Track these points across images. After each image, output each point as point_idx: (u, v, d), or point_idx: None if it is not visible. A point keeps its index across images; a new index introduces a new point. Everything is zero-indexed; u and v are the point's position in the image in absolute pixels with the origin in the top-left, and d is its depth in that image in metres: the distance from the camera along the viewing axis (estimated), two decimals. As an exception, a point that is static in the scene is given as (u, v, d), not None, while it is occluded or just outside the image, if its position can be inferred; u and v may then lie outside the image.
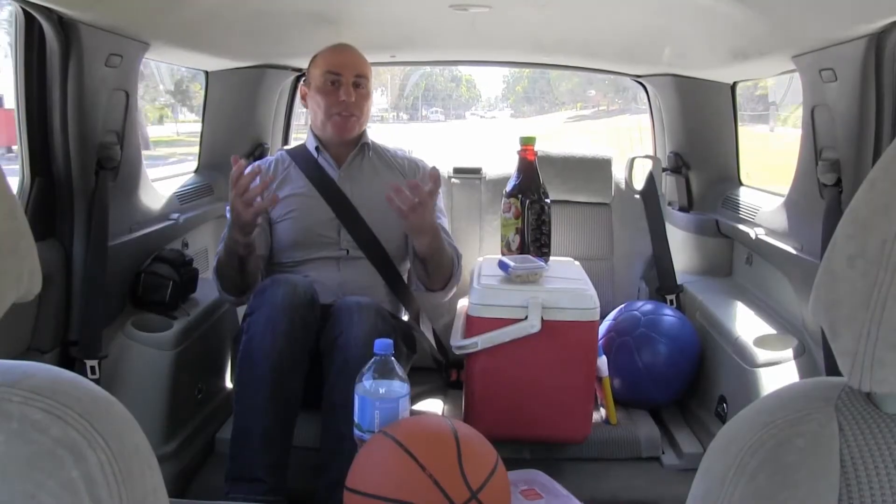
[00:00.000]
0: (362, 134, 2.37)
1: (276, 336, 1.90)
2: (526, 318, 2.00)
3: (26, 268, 0.64)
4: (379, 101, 21.60)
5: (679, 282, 2.72)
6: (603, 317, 2.25)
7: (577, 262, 2.42)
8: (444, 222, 2.39)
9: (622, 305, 2.52)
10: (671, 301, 2.66)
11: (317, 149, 2.34)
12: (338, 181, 2.31)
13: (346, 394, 1.88)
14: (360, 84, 2.29)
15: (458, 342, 2.05)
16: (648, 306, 2.47)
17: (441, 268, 2.23)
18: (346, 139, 2.32)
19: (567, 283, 2.13)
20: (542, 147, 2.72)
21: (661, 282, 2.69)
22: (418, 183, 1.98)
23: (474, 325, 2.05)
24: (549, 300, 2.02)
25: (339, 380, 1.91)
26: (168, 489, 0.68)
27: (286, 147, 2.50)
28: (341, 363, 1.92)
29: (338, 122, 2.28)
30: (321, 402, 2.11)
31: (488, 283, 2.09)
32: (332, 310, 2.03)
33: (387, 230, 2.29)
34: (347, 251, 2.26)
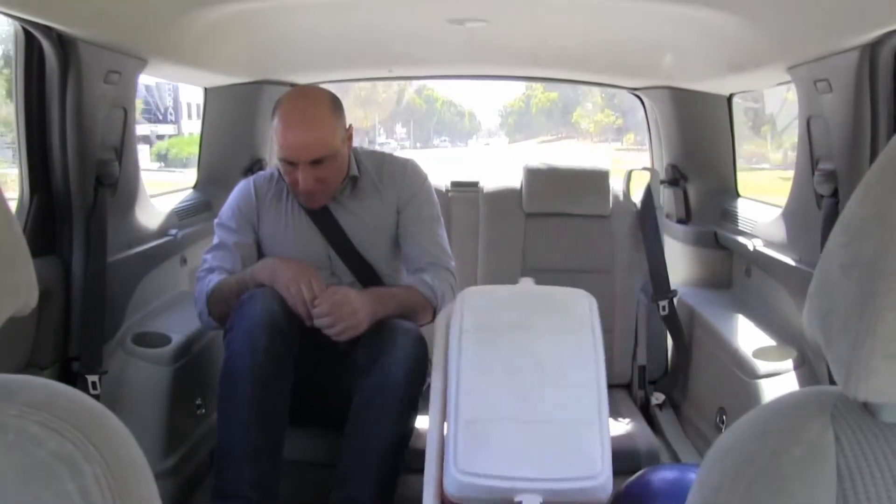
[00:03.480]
0: (349, 168, 2.16)
1: (255, 352, 1.86)
2: None
3: (23, 281, 0.64)
4: (399, 131, 28.14)
5: (678, 294, 2.72)
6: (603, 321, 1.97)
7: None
8: (439, 229, 2.23)
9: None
10: (664, 307, 2.65)
11: None
12: (330, 209, 2.16)
13: (376, 413, 1.88)
14: (321, 161, 2.01)
15: None
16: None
17: (413, 316, 2.10)
18: None
19: (570, 467, 1.63)
20: (539, 160, 2.74)
21: (655, 289, 2.68)
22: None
23: None
24: (550, 498, 1.59)
25: (373, 399, 1.89)
26: None
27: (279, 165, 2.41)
28: (378, 383, 1.88)
29: (304, 200, 2.11)
30: (320, 418, 2.11)
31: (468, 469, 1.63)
32: (374, 329, 1.95)
33: (381, 257, 2.18)
34: (340, 279, 2.15)
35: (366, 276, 2.15)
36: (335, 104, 2.07)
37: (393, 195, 2.18)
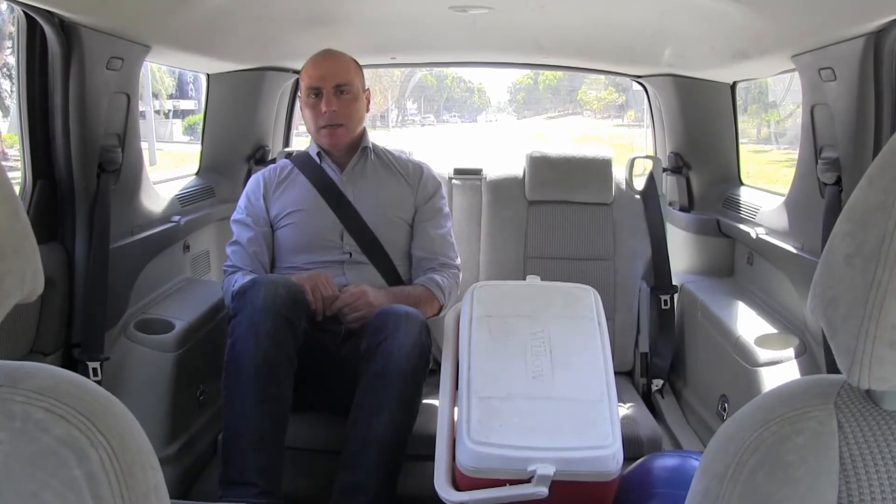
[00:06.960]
0: (362, 138, 2.36)
1: (259, 338, 1.89)
2: (531, 479, 1.61)
3: (29, 269, 0.65)
4: (410, 108, 29.94)
5: (680, 282, 2.72)
6: (605, 309, 1.99)
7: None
8: (448, 226, 2.38)
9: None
10: (665, 301, 2.65)
11: (319, 154, 2.34)
12: (340, 185, 2.31)
13: (380, 398, 1.90)
14: (343, 90, 2.26)
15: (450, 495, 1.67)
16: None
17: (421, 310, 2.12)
18: (339, 147, 2.31)
19: (581, 438, 1.66)
20: (543, 144, 2.74)
21: (657, 282, 2.68)
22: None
23: (465, 481, 1.67)
24: (563, 467, 1.61)
25: (376, 384, 1.91)
26: (170, 490, 0.69)
27: (288, 150, 2.50)
28: (381, 368, 1.91)
29: (325, 133, 2.28)
30: (325, 405, 2.12)
31: (482, 440, 1.67)
32: (378, 315, 2.00)
33: (389, 233, 2.29)
34: (350, 254, 2.25)
35: (377, 254, 2.27)
36: (357, 63, 2.34)
37: (409, 187, 2.36)
